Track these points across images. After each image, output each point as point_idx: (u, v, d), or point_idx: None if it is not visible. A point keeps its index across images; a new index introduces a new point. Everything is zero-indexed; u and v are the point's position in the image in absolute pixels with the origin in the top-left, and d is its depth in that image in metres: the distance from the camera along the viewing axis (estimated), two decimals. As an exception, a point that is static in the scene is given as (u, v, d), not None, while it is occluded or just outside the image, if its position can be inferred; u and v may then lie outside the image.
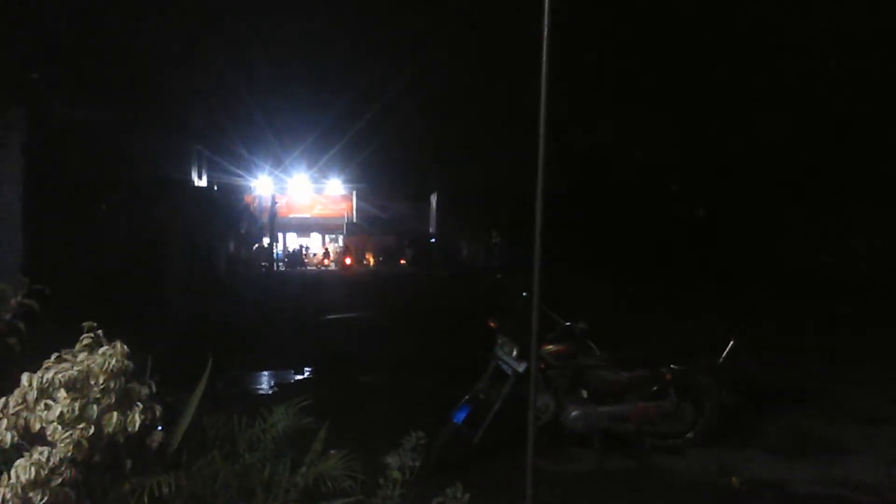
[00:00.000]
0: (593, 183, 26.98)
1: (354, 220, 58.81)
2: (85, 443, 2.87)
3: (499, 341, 6.95)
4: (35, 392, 2.92)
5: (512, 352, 6.72)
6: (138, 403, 3.12)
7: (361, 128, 37.20)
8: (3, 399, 2.94)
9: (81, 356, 3.06)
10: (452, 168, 42.49)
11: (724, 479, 6.33)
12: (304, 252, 51.55)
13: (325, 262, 50.37)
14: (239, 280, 28.48)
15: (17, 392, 2.94)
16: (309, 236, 58.63)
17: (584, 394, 6.96)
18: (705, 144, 23.94)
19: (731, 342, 7.11)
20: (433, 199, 53.15)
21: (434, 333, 14.68)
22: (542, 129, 3.94)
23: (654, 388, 7.08)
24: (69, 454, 2.81)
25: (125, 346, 3.14)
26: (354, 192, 58.93)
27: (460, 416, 6.47)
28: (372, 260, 50.83)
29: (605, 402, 6.99)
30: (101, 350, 3.09)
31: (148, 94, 17.38)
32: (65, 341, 3.19)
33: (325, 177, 55.75)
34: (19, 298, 3.95)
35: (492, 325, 7.13)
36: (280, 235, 49.76)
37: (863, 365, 10.67)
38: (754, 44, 20.64)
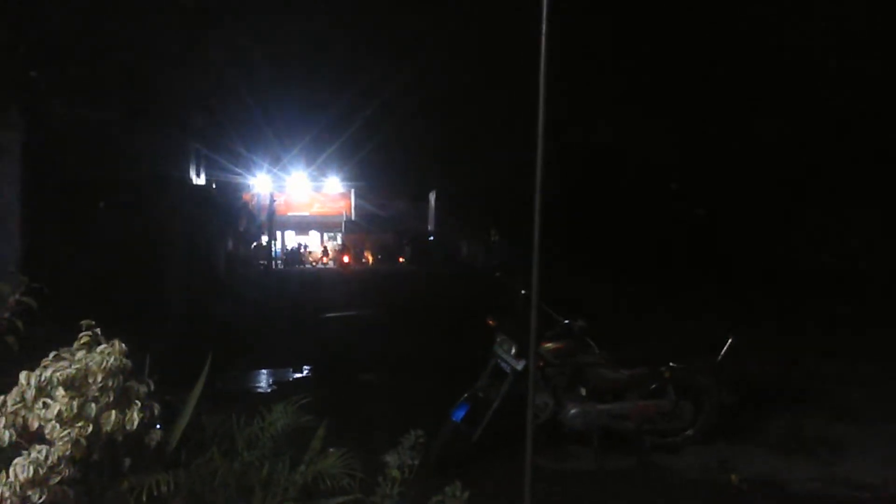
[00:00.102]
0: (593, 183, 26.97)
1: (353, 219, 58.85)
2: (83, 441, 2.86)
3: (498, 339, 6.95)
4: (33, 390, 2.91)
5: (511, 350, 6.72)
6: (137, 402, 3.11)
7: (360, 126, 37.21)
8: (2, 397, 2.93)
9: (80, 355, 3.06)
10: (452, 166, 42.48)
11: (723, 477, 6.34)
12: (302, 250, 51.56)
13: (324, 260, 50.41)
14: (238, 278, 28.47)
15: (15, 390, 2.94)
16: (307, 234, 58.64)
17: (583, 392, 6.96)
18: (705, 144, 23.93)
19: (730, 340, 7.12)
20: (432, 197, 53.18)
21: (433, 332, 14.67)
22: (540, 129, 3.94)
23: (654, 386, 7.09)
24: (68, 452, 2.81)
25: (123, 345, 3.14)
26: (353, 190, 58.95)
27: (459, 415, 6.47)
28: (371, 258, 50.84)
29: (605, 400, 6.99)
30: (100, 348, 3.08)
31: (147, 93, 17.36)
32: (63, 340, 3.18)
33: (324, 175, 55.80)
34: (17, 297, 3.95)
35: (491, 323, 7.14)
36: (278, 234, 49.76)
37: (862, 364, 10.67)
38: (755, 43, 20.63)
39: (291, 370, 11.19)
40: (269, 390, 10.04)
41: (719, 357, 7.11)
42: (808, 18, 19.30)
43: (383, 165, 50.44)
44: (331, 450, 3.84)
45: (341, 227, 58.83)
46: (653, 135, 24.42)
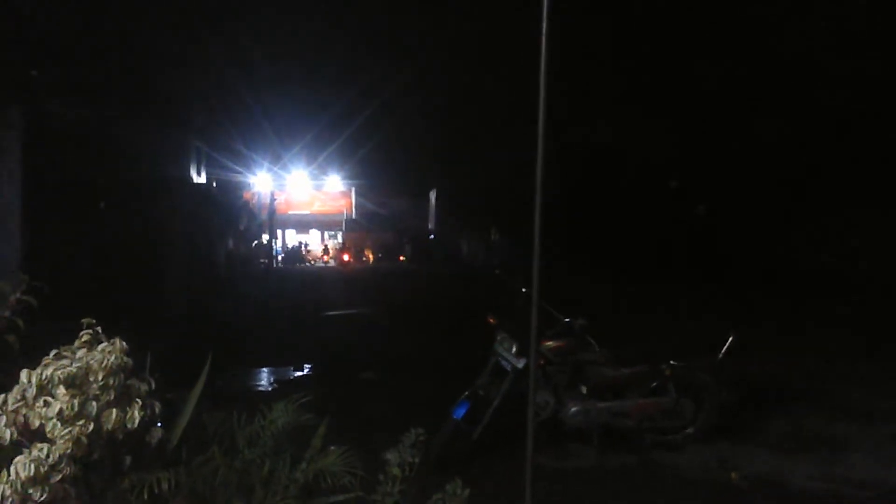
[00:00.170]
0: (594, 182, 26.98)
1: (353, 217, 58.83)
2: (84, 439, 2.86)
3: (498, 338, 6.96)
4: (34, 389, 2.91)
5: (511, 348, 6.73)
6: (137, 400, 3.11)
7: (360, 124, 37.15)
8: (3, 396, 2.93)
9: (80, 353, 3.06)
10: (452, 165, 42.46)
11: (723, 475, 6.35)
12: (303, 249, 51.56)
13: (325, 258, 50.43)
14: (238, 277, 28.47)
15: (15, 389, 2.94)
16: (308, 233, 58.63)
17: (584, 390, 6.97)
18: (705, 144, 23.93)
19: (731, 339, 7.12)
20: (432, 196, 53.17)
21: (434, 330, 14.69)
22: (540, 128, 3.94)
23: (654, 384, 7.10)
24: (69, 451, 2.81)
25: (124, 343, 3.14)
26: (353, 189, 58.92)
27: (460, 413, 6.48)
28: (371, 257, 50.84)
29: (605, 398, 7.00)
30: (101, 347, 3.08)
31: (147, 91, 17.37)
32: (64, 338, 3.18)
33: (325, 173, 55.75)
34: (18, 296, 3.95)
35: (491, 321, 7.14)
36: (279, 232, 49.75)
37: (862, 363, 10.67)
38: (755, 43, 20.62)
39: (292, 369, 11.20)
40: (269, 389, 10.05)
41: (720, 356, 7.12)
42: (807, 18, 19.29)
43: (384, 164, 50.43)
44: (331, 448, 3.83)
45: (342, 225, 58.82)
46: (653, 135, 24.42)
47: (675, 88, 23.01)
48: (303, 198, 58.16)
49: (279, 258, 45.25)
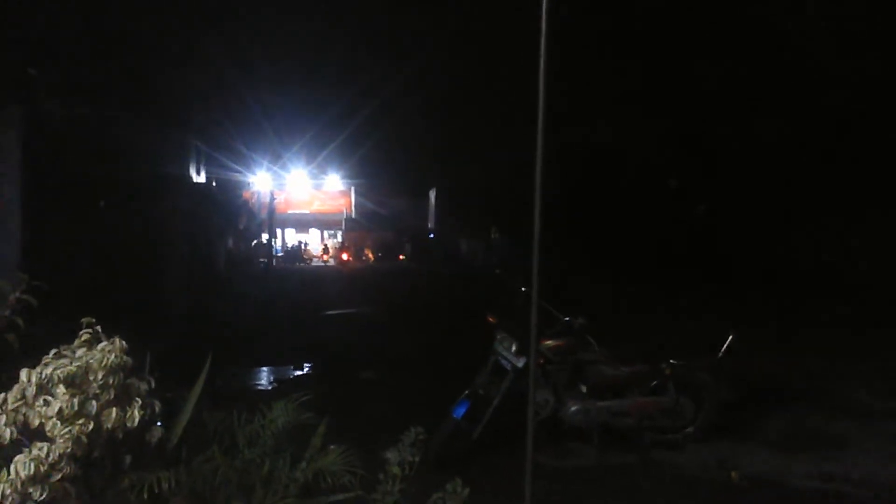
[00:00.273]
0: (594, 182, 26.97)
1: (353, 216, 58.79)
2: (84, 438, 2.87)
3: (498, 337, 6.96)
4: (34, 388, 2.92)
5: (511, 347, 6.73)
6: (137, 399, 3.12)
7: (360, 123, 37.15)
8: (2, 395, 2.94)
9: (80, 352, 3.06)
10: (451, 164, 42.44)
11: (723, 473, 6.35)
12: (303, 248, 51.56)
13: (324, 257, 50.43)
14: (238, 276, 28.47)
15: (16, 388, 2.94)
16: (307, 232, 58.61)
17: (584, 389, 6.97)
18: (706, 144, 23.93)
19: (730, 338, 7.13)
20: (432, 195, 53.15)
21: (433, 329, 14.69)
22: (540, 126, 3.94)
23: (654, 383, 7.10)
24: (68, 450, 2.81)
25: (124, 342, 3.14)
26: (353, 188, 58.89)
27: (460, 412, 6.48)
28: (371, 256, 50.83)
29: (605, 397, 7.01)
30: (100, 346, 3.08)
31: (147, 91, 17.37)
32: (63, 338, 3.18)
33: (324, 172, 55.70)
34: (18, 295, 3.95)
35: (491, 320, 7.14)
36: (279, 231, 49.73)
37: (862, 363, 10.67)
38: (755, 42, 20.61)
39: (292, 368, 11.20)
40: (269, 388, 10.04)
41: (719, 355, 7.12)
42: (807, 18, 19.29)
43: (383, 163, 50.39)
44: (331, 447, 3.84)
45: (341, 224, 58.79)
46: (653, 134, 24.42)
47: (676, 88, 23.00)
48: (302, 197, 58.11)
49: (276, 256, 45.21)
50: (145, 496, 3.16)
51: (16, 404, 2.91)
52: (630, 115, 24.52)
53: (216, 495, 3.44)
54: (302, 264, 46.01)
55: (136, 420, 3.05)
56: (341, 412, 5.14)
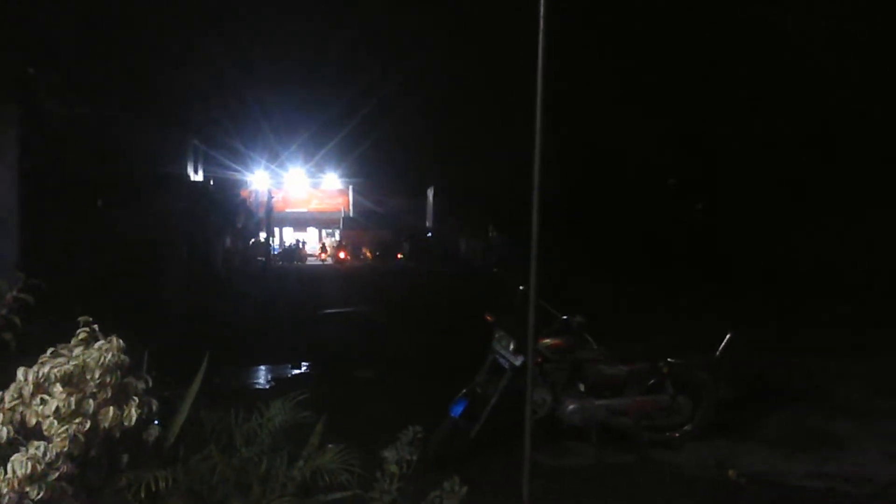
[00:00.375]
0: (594, 182, 26.98)
1: (351, 215, 58.79)
2: (81, 437, 2.86)
3: (496, 335, 6.96)
4: (31, 387, 2.91)
5: (509, 346, 6.72)
6: (134, 398, 3.11)
7: (358, 122, 37.19)
8: (0, 394, 2.93)
9: (77, 351, 3.06)
10: (450, 163, 42.49)
11: (721, 472, 6.34)
12: (300, 247, 51.55)
13: (322, 256, 50.43)
14: (236, 275, 28.45)
15: (12, 387, 2.94)
16: (305, 231, 58.59)
17: (582, 388, 6.96)
18: (706, 144, 23.95)
19: (728, 336, 7.13)
20: (430, 194, 53.17)
21: (431, 328, 14.68)
22: (538, 125, 3.94)
23: (652, 381, 7.09)
24: (65, 449, 2.81)
25: (121, 341, 3.14)
26: (351, 187, 58.90)
27: (458, 410, 6.47)
28: (369, 255, 50.81)
29: (603, 395, 7.00)
30: (97, 345, 3.08)
31: (145, 89, 17.37)
32: (61, 336, 3.18)
33: (322, 171, 55.72)
34: (15, 293, 3.95)
35: (489, 319, 7.14)
36: (276, 230, 49.68)
37: (862, 362, 10.67)
38: (756, 42, 20.64)
39: (289, 367, 11.19)
40: (267, 387, 10.03)
41: (717, 353, 7.12)
42: (808, 18, 19.30)
43: (381, 162, 50.49)
44: (329, 446, 3.83)
45: (339, 223, 58.79)
46: (654, 134, 24.43)
47: (676, 88, 23.02)
48: (300, 196, 58.09)
49: (274, 256, 45.20)
50: (142, 495, 3.16)
51: (13, 403, 2.91)
52: (630, 115, 24.54)
53: (213, 494, 3.44)
54: (298, 263, 45.97)
55: (134, 419, 3.05)
56: (339, 411, 5.13)
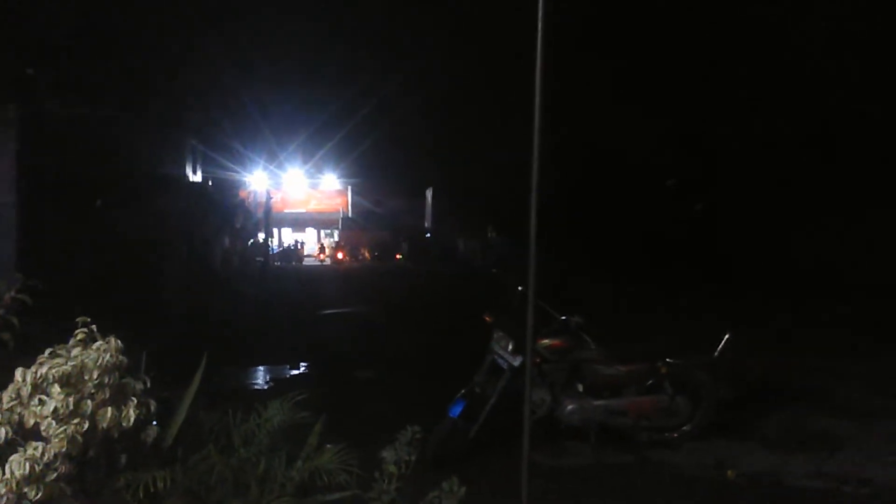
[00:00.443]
0: (594, 182, 26.99)
1: (350, 216, 58.80)
2: (79, 438, 2.86)
3: (495, 336, 6.96)
4: (29, 387, 2.91)
5: (507, 346, 6.72)
6: (133, 398, 3.11)
7: (357, 123, 37.21)
8: (-2, 394, 2.93)
9: (75, 351, 3.05)
10: (449, 164, 42.49)
11: (720, 472, 6.34)
12: (299, 248, 51.56)
13: (321, 256, 50.46)
14: (234, 275, 28.45)
15: (11, 387, 2.93)
16: (304, 231, 58.61)
17: (580, 388, 6.97)
18: (706, 144, 23.96)
19: (727, 336, 7.12)
20: (429, 194, 53.18)
21: (430, 328, 14.68)
22: (536, 125, 3.94)
23: (650, 381, 7.09)
24: (63, 449, 2.81)
25: (119, 342, 3.14)
26: (350, 188, 58.91)
27: (456, 411, 6.47)
28: (368, 255, 50.81)
29: (601, 396, 7.00)
30: (96, 345, 3.08)
31: (143, 90, 17.36)
32: (59, 337, 3.18)
33: (321, 172, 55.72)
34: (13, 294, 3.94)
35: (488, 319, 7.14)
36: (275, 231, 49.68)
37: (862, 363, 10.67)
38: (756, 42, 20.65)
39: (288, 367, 11.19)
40: (265, 387, 10.03)
41: (716, 353, 7.11)
42: (808, 17, 19.30)
43: (380, 162, 50.52)
44: (327, 446, 3.83)
45: (338, 224, 58.79)
46: (653, 134, 24.44)
47: (676, 88, 23.03)
48: (299, 196, 58.09)
49: (272, 256, 45.21)
50: (141, 496, 3.15)
51: (11, 404, 2.91)
52: (630, 115, 24.54)
53: (212, 494, 3.44)
54: (296, 264, 45.97)
55: (132, 419, 3.04)
56: (338, 411, 5.13)
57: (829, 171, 20.50)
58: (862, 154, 19.78)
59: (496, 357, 6.84)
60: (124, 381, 3.13)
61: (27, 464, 2.70)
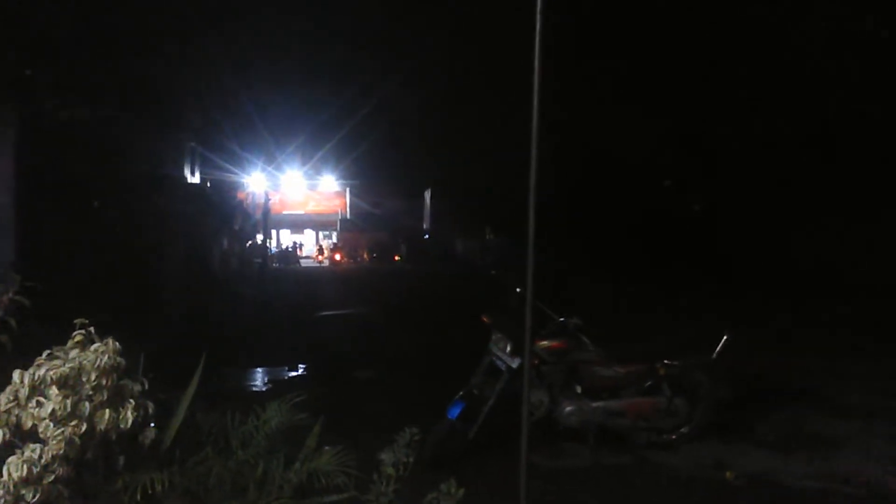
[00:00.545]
0: (592, 182, 26.99)
1: (348, 217, 58.83)
2: (77, 440, 2.86)
3: (493, 337, 6.95)
4: (27, 389, 2.91)
5: (506, 347, 6.71)
6: (131, 400, 3.11)
7: (355, 125, 37.23)
8: (-5, 396, 2.93)
9: (73, 353, 3.05)
10: (447, 165, 42.53)
11: (719, 473, 6.34)
12: (298, 249, 51.58)
13: (319, 258, 50.48)
14: (233, 276, 28.44)
15: (8, 389, 2.93)
16: (303, 233, 58.63)
17: (579, 389, 6.96)
18: (706, 144, 23.96)
19: (725, 337, 7.12)
20: (427, 195, 53.20)
21: (429, 330, 14.68)
22: (535, 125, 3.94)
23: (649, 383, 7.08)
24: (61, 451, 2.80)
25: (117, 343, 3.13)
26: (348, 189, 58.95)
27: (454, 412, 6.46)
28: (366, 256, 50.83)
29: (600, 397, 7.00)
30: (93, 347, 3.07)
31: (143, 90, 17.34)
32: (57, 338, 3.17)
33: (319, 173, 55.74)
34: (10, 295, 3.94)
35: (486, 320, 7.13)
36: (273, 232, 49.69)
37: (862, 363, 10.67)
38: (756, 42, 20.65)
39: (286, 368, 11.17)
40: (264, 389, 10.02)
41: (714, 354, 7.10)
42: (808, 17, 19.30)
43: (378, 164, 50.59)
44: (326, 448, 3.83)
45: (336, 225, 58.81)
46: (652, 134, 24.45)
47: (675, 88, 23.03)
48: (297, 198, 58.13)
49: (270, 258, 45.20)
50: (139, 497, 3.15)
51: (8, 405, 2.90)
52: (629, 115, 24.55)
53: (210, 496, 3.43)
54: (294, 265, 45.97)
55: (130, 421, 3.04)
56: (336, 413, 5.13)
57: (829, 171, 20.51)
58: (862, 154, 19.79)
59: (494, 358, 6.83)
60: (122, 382, 3.13)
61: (25, 466, 2.70)
